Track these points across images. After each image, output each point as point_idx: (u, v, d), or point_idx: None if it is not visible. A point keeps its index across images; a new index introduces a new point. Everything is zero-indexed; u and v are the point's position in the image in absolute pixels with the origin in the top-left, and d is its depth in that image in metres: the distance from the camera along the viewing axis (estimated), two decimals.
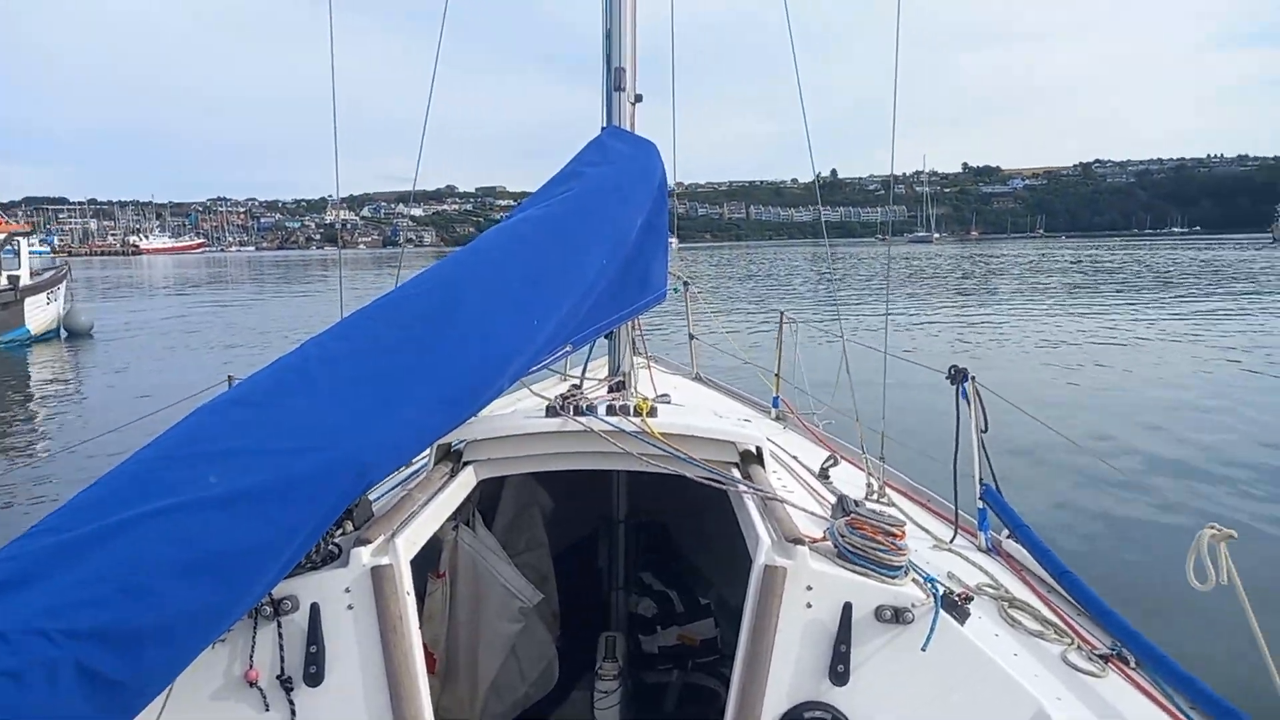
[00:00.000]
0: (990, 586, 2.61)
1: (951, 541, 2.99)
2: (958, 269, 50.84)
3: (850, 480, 3.38)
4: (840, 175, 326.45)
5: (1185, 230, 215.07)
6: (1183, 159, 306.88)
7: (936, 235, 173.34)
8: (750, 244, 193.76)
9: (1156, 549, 5.93)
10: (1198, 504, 7.06)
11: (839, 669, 1.87)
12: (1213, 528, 2.16)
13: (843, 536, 2.03)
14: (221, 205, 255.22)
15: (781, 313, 5.42)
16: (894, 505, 3.28)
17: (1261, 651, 2.08)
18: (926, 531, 3.06)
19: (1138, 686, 2.18)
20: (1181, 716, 2.06)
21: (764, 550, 1.99)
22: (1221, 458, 8.57)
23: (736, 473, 2.52)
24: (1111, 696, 2.10)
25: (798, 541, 1.99)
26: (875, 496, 3.29)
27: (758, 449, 2.65)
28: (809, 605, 1.91)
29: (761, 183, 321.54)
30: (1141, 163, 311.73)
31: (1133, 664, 2.27)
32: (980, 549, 3.01)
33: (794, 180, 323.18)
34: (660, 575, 3.80)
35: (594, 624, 3.36)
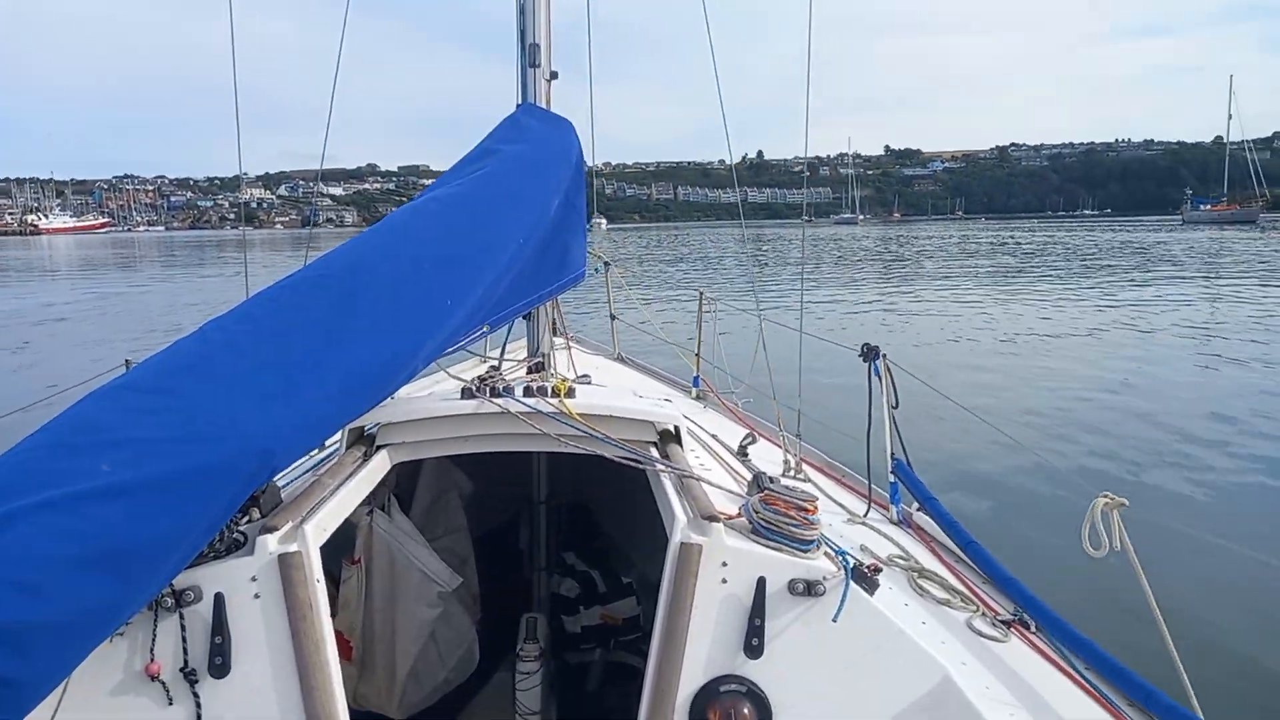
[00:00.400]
0: (900, 558, 2.68)
1: (865, 515, 3.07)
2: (887, 250, 51.53)
3: (768, 457, 3.43)
4: (766, 157, 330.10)
5: (1096, 213, 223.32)
6: (1092, 144, 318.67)
7: (861, 217, 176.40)
8: (678, 225, 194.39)
9: (1059, 518, 6.16)
10: (1100, 476, 7.36)
11: (753, 642, 1.90)
12: (1106, 496, 2.26)
13: (757, 513, 2.07)
14: (128, 183, 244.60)
15: (701, 292, 5.46)
16: (810, 481, 3.34)
17: (1153, 612, 2.19)
18: (841, 506, 3.13)
19: (1038, 650, 2.27)
20: (1078, 677, 2.16)
21: (680, 528, 2.00)
22: (1129, 432, 8.95)
23: (655, 452, 2.53)
24: (1013, 661, 2.18)
25: (713, 519, 2.01)
26: (792, 473, 3.35)
27: (676, 428, 2.66)
28: (724, 581, 1.94)
29: (689, 164, 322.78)
30: (1054, 147, 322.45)
31: (1033, 629, 2.37)
32: (892, 521, 3.10)
33: (720, 161, 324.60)
34: (582, 555, 3.81)
35: (515, 606, 3.35)
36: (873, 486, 3.23)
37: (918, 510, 3.15)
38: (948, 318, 18.83)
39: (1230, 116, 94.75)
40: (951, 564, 2.76)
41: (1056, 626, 2.31)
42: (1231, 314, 18.51)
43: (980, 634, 2.28)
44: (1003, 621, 2.37)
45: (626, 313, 6.40)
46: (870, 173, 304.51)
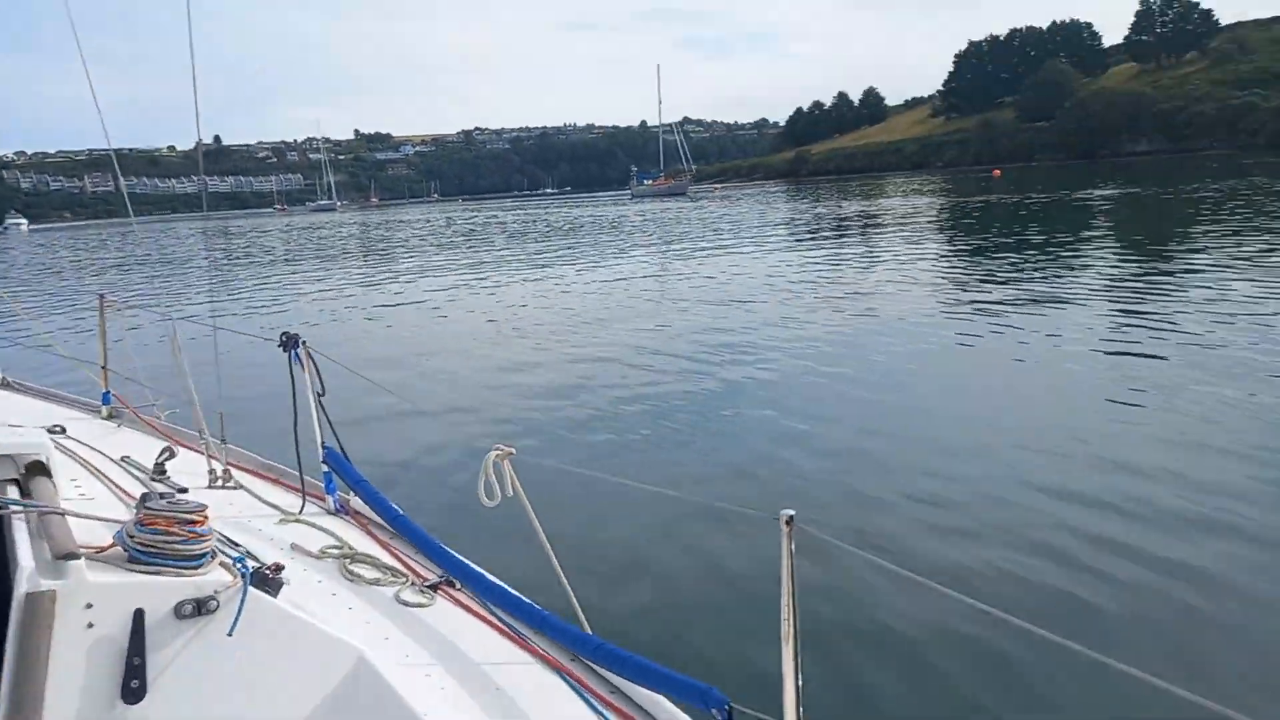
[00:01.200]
0: (334, 547, 2.64)
1: (301, 511, 2.97)
2: (378, 238, 49.52)
3: (193, 470, 3.13)
4: (226, 142, 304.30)
5: (556, 191, 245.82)
6: (545, 128, 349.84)
7: (340, 203, 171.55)
8: (125, 221, 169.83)
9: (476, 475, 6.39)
10: (510, 430, 7.74)
11: (133, 684, 1.70)
12: (497, 448, 2.46)
13: (132, 537, 1.85)
14: None
15: (101, 295, 4.76)
16: (241, 487, 3.14)
17: (545, 547, 2.46)
18: (274, 506, 2.98)
19: (463, 606, 2.41)
20: (494, 620, 2.33)
21: (25, 577, 1.70)
22: (531, 387, 9.55)
23: (15, 492, 2.14)
24: (437, 622, 2.29)
25: (71, 556, 1.74)
26: (220, 482, 3.11)
27: (46, 460, 2.28)
28: (90, 625, 1.69)
29: (132, 151, 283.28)
30: (514, 131, 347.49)
31: (459, 586, 2.51)
32: (329, 512, 3.04)
33: (171, 148, 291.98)
34: None
35: None
36: (307, 479, 3.13)
37: (355, 496, 3.13)
38: (425, 300, 19.04)
39: (660, 102, 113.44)
40: (386, 541, 2.80)
41: (475, 580, 2.47)
42: (671, 270, 21.43)
43: (407, 604, 2.35)
44: (430, 586, 2.46)
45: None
46: (342, 157, 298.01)
